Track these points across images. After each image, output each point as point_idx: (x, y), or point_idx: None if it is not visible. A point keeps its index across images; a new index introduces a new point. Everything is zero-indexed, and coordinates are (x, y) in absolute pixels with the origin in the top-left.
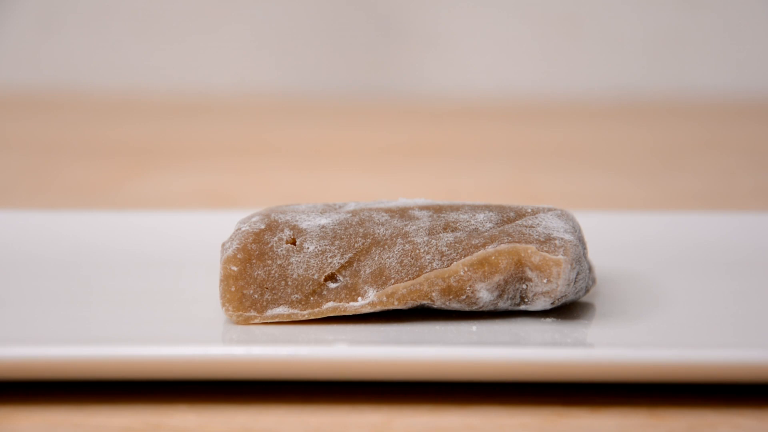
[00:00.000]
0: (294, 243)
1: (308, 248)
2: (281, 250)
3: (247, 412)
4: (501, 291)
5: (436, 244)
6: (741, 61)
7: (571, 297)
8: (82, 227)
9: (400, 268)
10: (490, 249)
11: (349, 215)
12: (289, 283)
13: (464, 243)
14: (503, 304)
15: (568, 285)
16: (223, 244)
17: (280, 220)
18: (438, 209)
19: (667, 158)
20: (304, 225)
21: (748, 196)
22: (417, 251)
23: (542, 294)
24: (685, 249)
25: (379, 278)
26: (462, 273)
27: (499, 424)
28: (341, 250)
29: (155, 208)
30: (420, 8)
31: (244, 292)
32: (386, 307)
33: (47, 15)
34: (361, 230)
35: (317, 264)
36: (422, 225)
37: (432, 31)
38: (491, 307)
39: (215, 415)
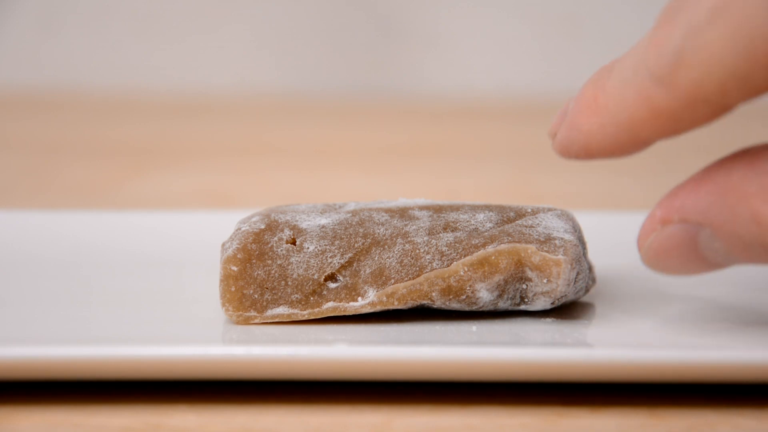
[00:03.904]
0: (294, 243)
1: (308, 248)
2: (281, 250)
3: (247, 412)
4: (501, 291)
5: (436, 244)
6: None
7: (571, 297)
8: (82, 227)
9: (400, 268)
10: (490, 249)
11: (349, 215)
12: (289, 283)
13: (464, 243)
14: (503, 304)
15: (568, 285)
16: (223, 244)
17: (280, 220)
18: (438, 209)
19: (667, 158)
20: (304, 225)
21: None
22: (417, 251)
23: (542, 294)
24: None
25: (379, 278)
26: (462, 273)
27: (499, 424)
28: (341, 250)
29: (155, 208)
30: (420, 8)
31: (244, 292)
32: (386, 307)
33: (47, 15)
34: (361, 230)
35: (317, 264)
36: (422, 225)
37: (432, 31)
38: (491, 307)
39: (215, 415)
